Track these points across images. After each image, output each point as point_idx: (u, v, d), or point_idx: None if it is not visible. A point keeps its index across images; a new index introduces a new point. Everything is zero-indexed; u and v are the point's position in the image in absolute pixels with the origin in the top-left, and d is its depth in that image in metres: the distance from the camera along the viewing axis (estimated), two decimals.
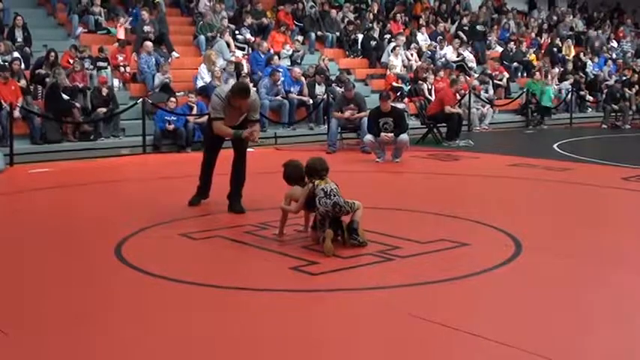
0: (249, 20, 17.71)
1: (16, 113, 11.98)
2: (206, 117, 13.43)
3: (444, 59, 19.40)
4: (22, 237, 6.62)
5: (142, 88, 14.76)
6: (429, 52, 19.40)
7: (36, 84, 13.38)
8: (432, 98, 16.47)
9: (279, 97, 15.03)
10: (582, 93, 20.65)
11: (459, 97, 16.37)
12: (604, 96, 19.99)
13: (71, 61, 13.93)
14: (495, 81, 19.08)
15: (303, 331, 4.29)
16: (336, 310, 4.65)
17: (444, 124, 14.61)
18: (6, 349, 3.95)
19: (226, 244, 6.24)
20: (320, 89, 15.69)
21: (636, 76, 20.60)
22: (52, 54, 13.72)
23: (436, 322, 4.27)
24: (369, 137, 11.81)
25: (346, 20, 19.70)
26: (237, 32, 17.32)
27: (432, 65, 18.38)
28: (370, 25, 19.77)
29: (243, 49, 16.91)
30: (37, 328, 4.27)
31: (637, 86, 20.20)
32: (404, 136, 11.64)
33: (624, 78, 20.68)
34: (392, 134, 11.59)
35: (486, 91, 18.36)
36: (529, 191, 9.32)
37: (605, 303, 4.81)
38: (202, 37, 16.54)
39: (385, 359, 3.84)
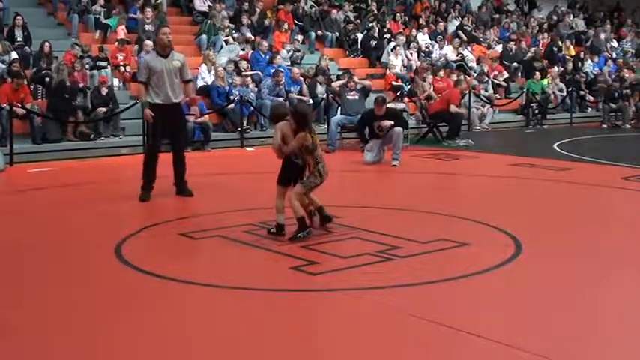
0: (248, 19, 17.69)
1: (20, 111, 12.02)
2: (206, 116, 13.70)
3: (443, 59, 19.38)
4: (22, 237, 6.62)
5: None
6: (426, 51, 19.42)
7: (36, 84, 13.37)
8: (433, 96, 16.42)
9: (280, 99, 14.98)
10: (582, 93, 20.62)
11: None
12: (603, 96, 19.94)
13: (74, 60, 13.91)
14: (495, 81, 19.06)
15: (303, 331, 4.29)
16: (336, 310, 4.65)
17: (445, 124, 14.57)
18: (7, 349, 3.96)
19: (226, 244, 6.24)
20: (321, 89, 15.60)
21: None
22: (47, 44, 13.80)
23: (436, 322, 4.27)
24: (368, 158, 11.55)
25: (346, 20, 19.69)
26: (236, 31, 17.29)
27: (430, 65, 18.36)
28: (370, 24, 19.76)
29: (243, 48, 16.89)
30: (38, 327, 4.27)
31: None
32: (398, 128, 11.39)
33: (621, 75, 20.53)
34: (390, 122, 11.40)
35: (485, 90, 18.34)
36: (529, 191, 9.31)
37: (605, 303, 4.81)
38: (204, 37, 16.50)
39: (385, 359, 3.84)
